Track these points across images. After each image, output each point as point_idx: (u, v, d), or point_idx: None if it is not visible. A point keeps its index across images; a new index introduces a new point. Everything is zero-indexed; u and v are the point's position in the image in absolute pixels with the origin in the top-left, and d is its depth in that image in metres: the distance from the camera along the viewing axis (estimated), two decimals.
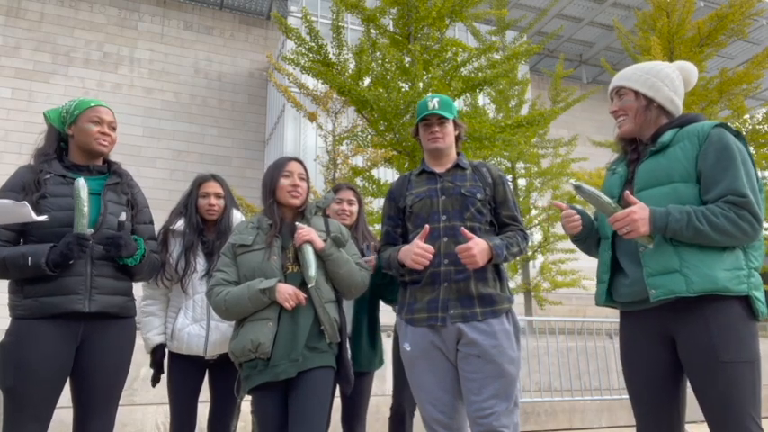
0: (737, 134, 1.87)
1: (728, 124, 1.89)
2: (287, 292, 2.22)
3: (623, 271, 1.98)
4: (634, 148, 2.08)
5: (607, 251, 2.04)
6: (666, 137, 1.95)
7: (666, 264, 1.82)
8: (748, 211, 1.76)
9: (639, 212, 1.80)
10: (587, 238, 2.14)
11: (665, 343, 1.91)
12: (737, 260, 1.81)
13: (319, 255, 2.33)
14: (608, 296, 2.05)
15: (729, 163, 1.80)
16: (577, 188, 1.87)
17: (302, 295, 2.25)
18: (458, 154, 2.53)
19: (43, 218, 2.03)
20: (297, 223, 2.36)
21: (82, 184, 2.10)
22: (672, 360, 1.91)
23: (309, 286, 2.27)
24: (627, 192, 1.86)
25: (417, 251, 2.25)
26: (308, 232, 2.32)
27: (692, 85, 2.13)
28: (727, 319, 1.77)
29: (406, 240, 2.48)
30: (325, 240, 2.37)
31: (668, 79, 2.04)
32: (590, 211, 2.26)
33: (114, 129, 2.36)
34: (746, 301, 1.80)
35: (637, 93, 2.04)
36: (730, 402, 1.72)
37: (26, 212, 1.93)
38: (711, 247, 1.79)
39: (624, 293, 1.98)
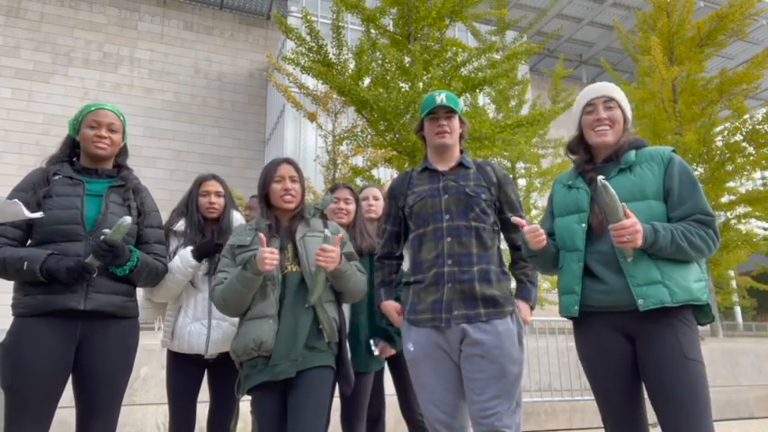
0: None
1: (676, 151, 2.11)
2: (262, 257, 2.16)
3: (595, 279, 2.04)
4: (593, 167, 2.17)
5: (578, 263, 2.07)
6: (631, 156, 2.09)
7: (650, 275, 1.93)
8: (713, 229, 1.95)
9: (640, 225, 1.89)
10: (544, 252, 2.17)
11: (630, 342, 2.01)
12: (699, 272, 1.98)
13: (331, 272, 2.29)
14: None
15: (693, 185, 1.99)
16: (605, 186, 1.89)
17: (275, 252, 2.20)
18: (461, 152, 2.50)
19: (38, 214, 2.06)
20: (322, 245, 2.25)
21: (127, 222, 2.14)
22: (635, 359, 2.01)
23: (311, 305, 2.27)
24: (624, 204, 1.93)
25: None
26: (332, 260, 2.23)
27: None
28: (688, 326, 1.94)
29: (406, 239, 2.49)
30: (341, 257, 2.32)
31: None
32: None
33: (114, 130, 2.37)
34: (698, 309, 1.99)
35: (623, 111, 2.16)
36: (697, 397, 1.85)
37: (18, 210, 1.96)
38: (682, 260, 1.95)
39: (599, 299, 2.02)
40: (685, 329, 1.92)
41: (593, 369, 2.10)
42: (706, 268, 2.06)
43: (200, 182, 2.92)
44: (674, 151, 2.08)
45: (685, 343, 1.90)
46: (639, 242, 1.88)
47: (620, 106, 2.15)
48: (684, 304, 1.91)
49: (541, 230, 2.10)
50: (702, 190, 2.00)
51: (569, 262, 2.12)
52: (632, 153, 2.09)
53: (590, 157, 2.20)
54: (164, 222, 2.88)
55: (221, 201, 2.89)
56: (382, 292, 2.54)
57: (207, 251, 2.71)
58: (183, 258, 2.67)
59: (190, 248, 2.70)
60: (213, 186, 2.89)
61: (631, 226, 1.87)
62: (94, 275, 2.14)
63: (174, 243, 2.80)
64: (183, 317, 2.71)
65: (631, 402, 2.01)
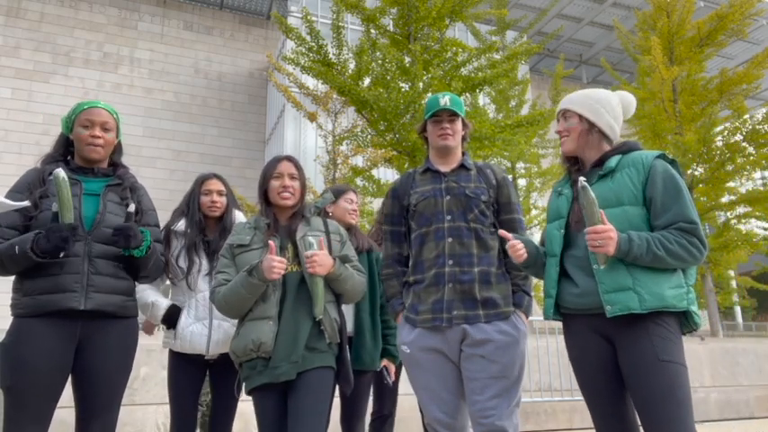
0: (673, 162, 2.06)
1: (666, 154, 2.07)
2: (270, 266, 2.16)
3: (572, 281, 2.09)
4: (579, 173, 2.19)
5: (555, 267, 2.13)
6: (612, 162, 2.09)
7: (620, 281, 1.94)
8: (697, 237, 1.92)
9: (614, 233, 1.91)
10: (534, 263, 2.21)
11: (610, 344, 2.03)
12: (679, 279, 1.97)
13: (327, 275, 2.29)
14: (555, 309, 2.15)
15: (677, 192, 1.97)
16: (584, 188, 1.93)
17: (284, 261, 2.21)
18: (463, 154, 2.52)
19: (23, 203, 2.06)
20: (306, 252, 2.25)
21: (62, 176, 2.06)
22: (616, 359, 2.02)
23: (317, 319, 2.26)
24: (602, 211, 1.95)
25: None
26: (318, 264, 2.21)
27: (630, 115, 2.29)
28: (665, 329, 1.92)
29: (408, 239, 2.49)
30: (334, 259, 2.32)
31: (609, 107, 2.19)
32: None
33: (108, 129, 2.34)
34: (681, 315, 1.98)
35: (581, 116, 2.17)
36: (675, 398, 1.84)
37: None
38: (661, 268, 1.93)
39: (573, 302, 2.07)
40: (661, 331, 1.91)
41: (578, 369, 2.13)
42: (695, 274, 2.05)
43: (201, 180, 2.92)
44: (662, 156, 2.06)
45: (659, 344, 1.89)
46: (611, 249, 1.89)
47: (576, 113, 2.18)
48: (659, 310, 1.90)
49: (520, 246, 2.13)
50: (688, 197, 1.98)
51: (549, 267, 2.18)
52: (614, 159, 2.09)
53: (580, 165, 2.24)
54: (165, 222, 2.88)
55: (223, 200, 2.89)
56: (396, 304, 2.51)
57: (175, 321, 2.71)
58: (156, 309, 2.72)
59: (165, 305, 2.72)
60: (215, 185, 2.89)
61: (604, 231, 1.89)
62: (78, 230, 2.12)
63: (174, 243, 2.80)
64: (186, 317, 2.71)
65: (617, 402, 2.02)
